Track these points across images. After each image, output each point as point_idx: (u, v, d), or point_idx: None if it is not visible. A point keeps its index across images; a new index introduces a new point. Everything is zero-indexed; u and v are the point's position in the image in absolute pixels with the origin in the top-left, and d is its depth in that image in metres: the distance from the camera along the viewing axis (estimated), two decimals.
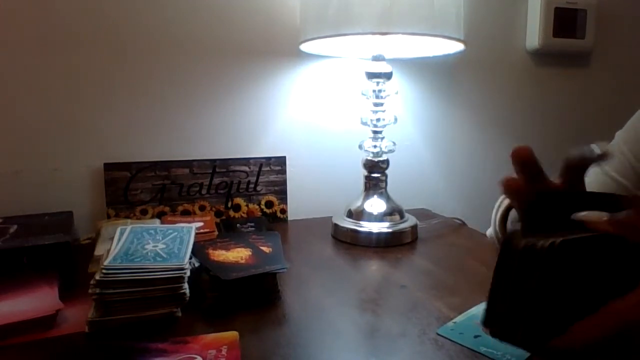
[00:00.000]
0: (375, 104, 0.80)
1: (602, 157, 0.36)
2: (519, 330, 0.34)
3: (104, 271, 0.48)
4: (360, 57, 0.93)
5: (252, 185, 0.91)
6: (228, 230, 0.80)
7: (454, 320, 0.50)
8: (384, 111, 0.80)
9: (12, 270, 0.56)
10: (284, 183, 0.93)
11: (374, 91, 0.80)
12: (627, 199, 0.36)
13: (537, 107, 1.15)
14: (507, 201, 0.44)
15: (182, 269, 0.50)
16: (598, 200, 0.35)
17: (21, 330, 0.46)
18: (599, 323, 0.30)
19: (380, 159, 0.82)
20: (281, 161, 0.92)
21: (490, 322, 0.37)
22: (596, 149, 0.36)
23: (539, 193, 0.36)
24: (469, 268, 0.67)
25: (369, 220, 0.80)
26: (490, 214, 0.47)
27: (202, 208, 0.88)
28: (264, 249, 0.64)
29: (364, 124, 0.82)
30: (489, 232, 0.47)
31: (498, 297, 0.36)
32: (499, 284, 0.35)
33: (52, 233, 0.62)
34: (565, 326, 0.32)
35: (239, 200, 0.90)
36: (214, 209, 0.88)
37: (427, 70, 1.03)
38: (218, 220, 0.87)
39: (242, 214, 0.90)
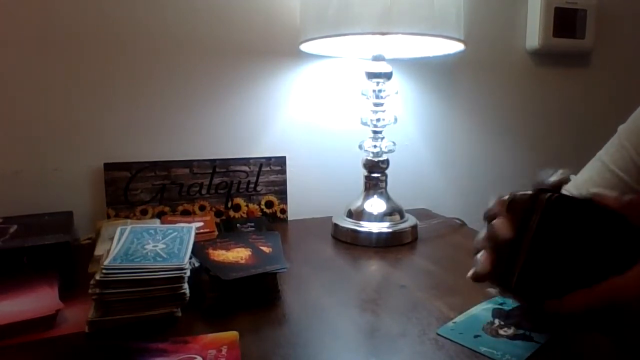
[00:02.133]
0: (375, 104, 0.80)
1: (555, 186, 0.37)
2: (513, 276, 0.36)
3: (104, 271, 0.48)
4: (360, 57, 0.93)
5: (252, 185, 0.91)
6: (228, 230, 0.80)
7: (454, 320, 0.50)
8: (384, 111, 0.80)
9: (12, 270, 0.56)
10: (284, 183, 0.93)
11: (374, 91, 0.80)
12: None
13: (537, 107, 1.15)
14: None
15: (182, 269, 0.50)
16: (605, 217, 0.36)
17: (21, 330, 0.46)
18: (591, 295, 0.31)
19: (380, 159, 0.82)
20: (281, 161, 0.92)
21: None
22: (553, 176, 0.37)
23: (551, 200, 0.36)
24: (469, 268, 0.67)
25: (369, 220, 0.80)
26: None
27: (202, 208, 0.88)
28: (264, 249, 0.64)
29: (364, 124, 0.82)
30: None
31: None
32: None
33: (52, 233, 0.62)
34: (558, 288, 0.33)
35: (239, 200, 0.90)
36: (214, 209, 0.88)
37: (427, 70, 1.03)
38: (218, 220, 0.87)
39: (242, 214, 0.90)
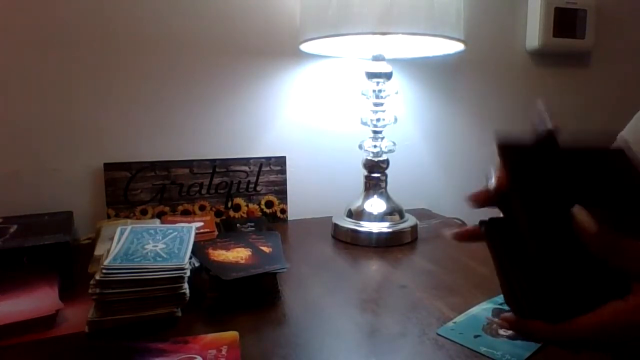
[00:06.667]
0: (375, 104, 0.80)
1: (554, 131, 0.36)
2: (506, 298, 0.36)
3: (104, 271, 0.48)
4: (360, 57, 0.93)
5: (252, 185, 0.91)
6: (228, 230, 0.80)
7: (454, 320, 0.50)
8: (384, 111, 0.80)
9: (12, 270, 0.56)
10: (284, 183, 0.93)
11: (374, 91, 0.80)
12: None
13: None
14: None
15: (182, 269, 0.50)
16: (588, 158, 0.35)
17: (21, 330, 0.46)
18: (598, 320, 0.31)
19: (380, 159, 0.82)
20: (281, 161, 0.92)
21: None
22: (546, 121, 0.36)
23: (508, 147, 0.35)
24: (469, 268, 0.67)
25: (369, 220, 0.80)
26: (490, 214, 0.46)
27: (202, 208, 0.88)
28: (264, 249, 0.64)
29: (364, 124, 0.82)
30: None
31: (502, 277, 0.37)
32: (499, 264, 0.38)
33: (52, 233, 0.62)
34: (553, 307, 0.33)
35: (239, 200, 0.90)
36: (214, 209, 0.88)
37: (427, 70, 1.03)
38: (218, 220, 0.87)
39: (242, 214, 0.90)
